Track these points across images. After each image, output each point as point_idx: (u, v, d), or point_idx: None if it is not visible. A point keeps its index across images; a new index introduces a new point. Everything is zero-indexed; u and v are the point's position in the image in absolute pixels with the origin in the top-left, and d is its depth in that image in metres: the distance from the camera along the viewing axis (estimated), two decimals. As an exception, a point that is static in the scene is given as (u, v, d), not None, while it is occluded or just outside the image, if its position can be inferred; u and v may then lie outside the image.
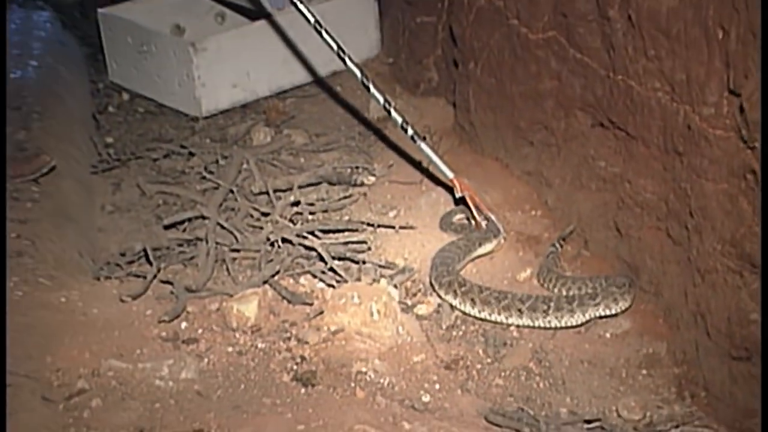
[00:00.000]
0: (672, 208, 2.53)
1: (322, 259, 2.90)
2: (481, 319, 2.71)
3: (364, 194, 3.31)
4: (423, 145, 3.12)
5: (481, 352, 2.60)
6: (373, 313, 2.60)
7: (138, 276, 2.86)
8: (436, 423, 2.29)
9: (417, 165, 3.36)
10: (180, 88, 3.86)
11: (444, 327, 2.69)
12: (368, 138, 3.63)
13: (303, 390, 2.40)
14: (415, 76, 3.87)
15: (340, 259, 2.92)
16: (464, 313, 2.73)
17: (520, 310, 2.66)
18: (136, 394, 2.35)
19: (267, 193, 3.24)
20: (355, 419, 2.27)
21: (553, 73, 2.97)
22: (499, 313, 2.69)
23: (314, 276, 2.86)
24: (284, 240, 2.98)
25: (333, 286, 2.78)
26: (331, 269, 2.87)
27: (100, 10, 4.12)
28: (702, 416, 2.36)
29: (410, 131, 3.11)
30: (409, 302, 2.79)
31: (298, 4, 3.18)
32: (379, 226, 3.09)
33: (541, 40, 2.99)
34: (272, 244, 2.98)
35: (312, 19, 3.16)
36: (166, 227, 3.13)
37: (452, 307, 2.75)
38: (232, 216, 3.15)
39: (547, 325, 2.65)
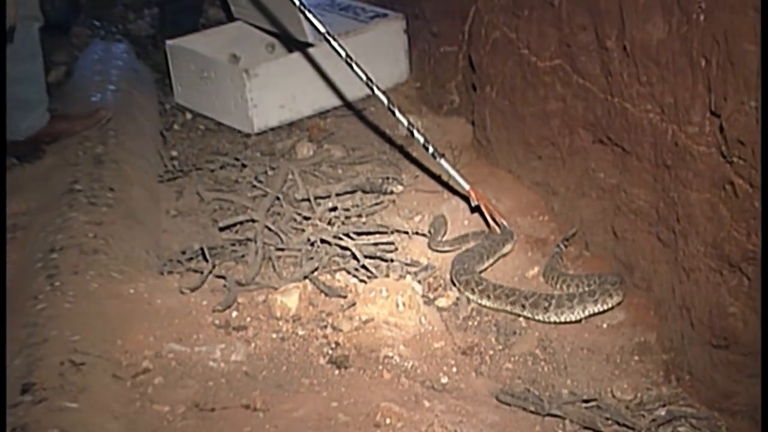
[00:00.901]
0: (662, 214, 2.52)
1: (355, 257, 2.91)
2: (494, 310, 2.71)
3: (393, 201, 3.30)
4: (442, 161, 3.11)
5: (493, 339, 2.59)
6: (399, 305, 2.60)
7: (196, 271, 2.88)
8: (453, 402, 2.30)
9: (439, 177, 3.35)
10: (235, 109, 3.87)
11: (461, 318, 2.69)
12: (397, 153, 3.62)
13: (337, 372, 2.42)
14: (439, 98, 3.86)
15: (371, 257, 2.92)
16: (481, 305, 2.72)
17: (523, 306, 2.66)
18: (193, 374, 2.38)
19: (308, 199, 3.24)
20: (381, 397, 2.28)
21: (559, 96, 2.96)
22: (508, 306, 2.69)
23: (348, 272, 2.86)
24: (323, 241, 2.98)
25: (364, 282, 2.78)
26: (363, 266, 2.87)
27: (168, 42, 4.14)
28: (686, 397, 2.34)
29: (431, 149, 3.10)
30: (431, 296, 2.78)
31: (332, 41, 3.18)
32: (394, 231, 3.08)
33: (548, 67, 2.98)
34: (312, 244, 2.98)
35: (344, 54, 3.16)
36: (221, 229, 3.14)
37: (469, 300, 2.74)
38: (278, 219, 3.15)
39: (548, 320, 2.64)
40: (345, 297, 2.70)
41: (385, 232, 3.07)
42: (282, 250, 2.99)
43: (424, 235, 3.07)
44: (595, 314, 2.63)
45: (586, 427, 2.23)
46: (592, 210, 2.88)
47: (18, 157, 3.55)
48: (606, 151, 2.75)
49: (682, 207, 2.39)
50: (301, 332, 2.58)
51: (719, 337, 2.26)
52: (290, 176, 3.40)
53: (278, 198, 3.26)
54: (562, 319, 2.63)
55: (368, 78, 3.14)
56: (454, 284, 2.81)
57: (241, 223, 3.15)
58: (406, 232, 3.08)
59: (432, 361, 2.48)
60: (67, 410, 2.13)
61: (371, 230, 3.08)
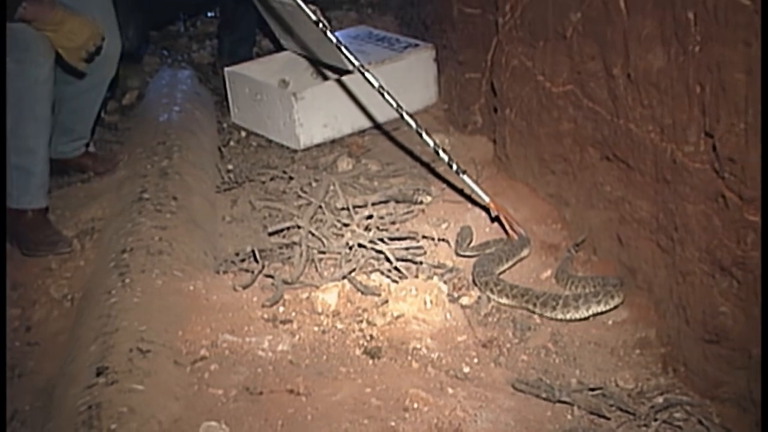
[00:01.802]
0: (661, 224, 2.51)
1: (388, 260, 2.91)
2: (512, 307, 2.70)
3: (423, 210, 3.29)
4: (465, 177, 3.11)
5: (510, 334, 2.59)
6: (427, 303, 2.60)
7: (247, 271, 2.89)
8: (474, 389, 2.31)
9: (462, 190, 3.35)
10: (284, 127, 3.89)
11: (482, 314, 2.69)
12: (426, 168, 3.62)
13: (371, 361, 2.42)
14: (464, 119, 3.86)
15: (402, 260, 2.92)
16: (500, 304, 2.72)
17: (535, 304, 2.66)
18: (244, 361, 2.39)
19: (347, 208, 3.25)
20: (410, 384, 2.29)
21: (570, 118, 2.95)
22: (522, 304, 2.69)
23: (382, 273, 2.86)
24: (360, 245, 2.99)
25: (396, 282, 2.77)
26: (395, 268, 2.87)
27: (226, 69, 4.17)
28: (681, 386, 2.33)
29: (455, 167, 3.10)
30: (455, 294, 2.78)
31: (366, 74, 3.18)
32: (423, 237, 3.08)
33: (561, 92, 2.98)
34: (350, 248, 2.98)
35: (376, 84, 3.16)
36: (270, 234, 3.15)
37: (489, 299, 2.73)
38: (320, 226, 3.16)
39: (555, 317, 2.64)
40: (379, 295, 2.70)
41: (415, 238, 3.07)
42: (324, 253, 3.00)
43: (447, 242, 3.06)
44: (598, 314, 2.63)
45: (592, 413, 2.23)
46: (599, 219, 2.87)
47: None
48: (612, 167, 2.74)
49: (679, 217, 2.38)
50: (339, 326, 2.59)
51: (711, 334, 2.25)
52: (331, 187, 3.42)
53: (321, 207, 3.27)
54: (568, 317, 2.62)
55: (398, 105, 3.14)
56: (476, 285, 2.81)
57: (287, 228, 3.15)
58: (433, 238, 3.07)
59: (455, 353, 2.48)
60: (135, 391, 2.17)
61: (403, 236, 3.08)
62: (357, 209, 3.26)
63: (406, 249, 2.99)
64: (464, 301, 2.75)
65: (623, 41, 2.55)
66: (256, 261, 2.91)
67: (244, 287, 2.77)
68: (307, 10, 3.30)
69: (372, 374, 2.36)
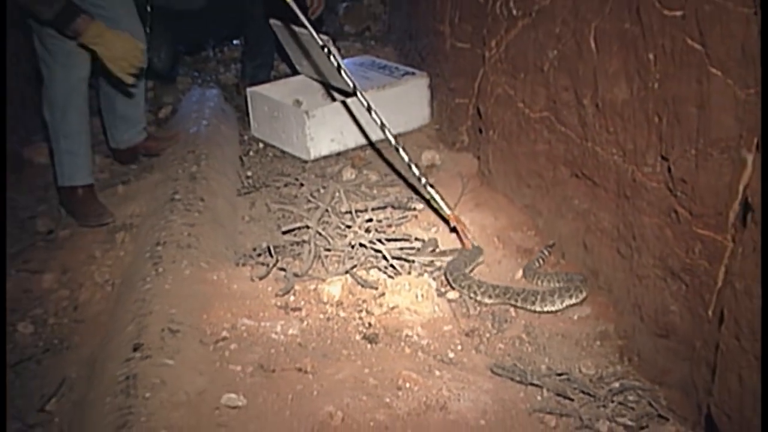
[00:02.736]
0: (621, 233, 2.52)
1: (385, 258, 2.91)
2: (490, 304, 2.70)
3: (416, 216, 3.29)
4: (431, 190, 3.09)
5: (489, 325, 2.59)
6: (418, 296, 2.61)
7: (263, 264, 2.88)
8: (457, 372, 2.31)
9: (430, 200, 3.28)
10: (296, 141, 3.89)
11: (465, 308, 2.68)
12: (418, 179, 3.59)
13: (369, 346, 2.43)
14: (453, 138, 3.86)
15: (397, 258, 2.93)
16: (484, 303, 2.69)
17: (516, 300, 2.66)
18: (259, 343, 2.40)
19: (350, 212, 3.25)
20: (403, 367, 2.30)
21: (545, 140, 2.95)
22: (504, 301, 2.69)
23: (379, 269, 2.87)
24: (361, 244, 2.99)
25: (392, 277, 2.78)
26: (391, 265, 2.88)
27: (248, 89, 4.16)
28: (635, 373, 2.35)
29: (423, 180, 3.11)
30: (443, 290, 2.79)
31: (358, 95, 3.21)
32: (415, 239, 3.08)
33: (537, 117, 2.98)
34: (352, 247, 2.99)
35: (365, 104, 3.18)
36: (283, 233, 3.15)
37: (471, 297, 2.70)
38: (326, 226, 3.16)
39: (534, 310, 2.64)
40: (377, 288, 2.70)
41: (408, 239, 3.08)
42: (329, 250, 3.00)
43: (436, 242, 3.04)
44: (570, 305, 2.63)
45: (558, 394, 2.24)
46: (568, 228, 2.88)
47: (120, 161, 3.70)
48: (580, 183, 2.75)
49: (637, 228, 2.39)
50: (342, 314, 2.59)
51: (662, 329, 2.27)
52: (337, 194, 3.42)
53: (327, 210, 3.27)
54: (546, 310, 2.63)
55: (382, 122, 3.14)
56: (452, 287, 2.76)
57: (298, 228, 3.15)
58: (424, 240, 3.08)
59: (442, 340, 2.49)
60: (166, 366, 2.18)
61: (398, 237, 3.09)
62: (359, 213, 3.26)
63: (401, 249, 3.00)
64: (450, 295, 2.75)
65: (593, 76, 2.56)
66: (271, 256, 2.91)
67: (260, 278, 2.77)
68: (317, 37, 3.31)
69: (370, 357, 2.36)
